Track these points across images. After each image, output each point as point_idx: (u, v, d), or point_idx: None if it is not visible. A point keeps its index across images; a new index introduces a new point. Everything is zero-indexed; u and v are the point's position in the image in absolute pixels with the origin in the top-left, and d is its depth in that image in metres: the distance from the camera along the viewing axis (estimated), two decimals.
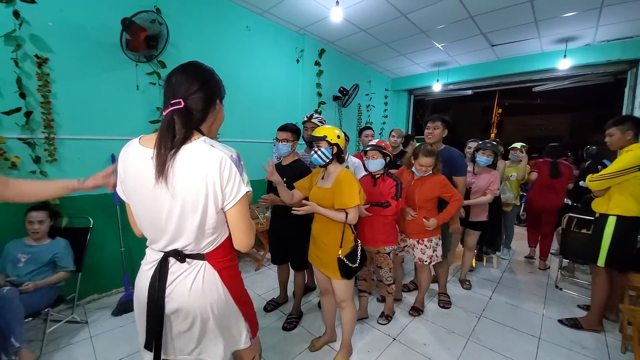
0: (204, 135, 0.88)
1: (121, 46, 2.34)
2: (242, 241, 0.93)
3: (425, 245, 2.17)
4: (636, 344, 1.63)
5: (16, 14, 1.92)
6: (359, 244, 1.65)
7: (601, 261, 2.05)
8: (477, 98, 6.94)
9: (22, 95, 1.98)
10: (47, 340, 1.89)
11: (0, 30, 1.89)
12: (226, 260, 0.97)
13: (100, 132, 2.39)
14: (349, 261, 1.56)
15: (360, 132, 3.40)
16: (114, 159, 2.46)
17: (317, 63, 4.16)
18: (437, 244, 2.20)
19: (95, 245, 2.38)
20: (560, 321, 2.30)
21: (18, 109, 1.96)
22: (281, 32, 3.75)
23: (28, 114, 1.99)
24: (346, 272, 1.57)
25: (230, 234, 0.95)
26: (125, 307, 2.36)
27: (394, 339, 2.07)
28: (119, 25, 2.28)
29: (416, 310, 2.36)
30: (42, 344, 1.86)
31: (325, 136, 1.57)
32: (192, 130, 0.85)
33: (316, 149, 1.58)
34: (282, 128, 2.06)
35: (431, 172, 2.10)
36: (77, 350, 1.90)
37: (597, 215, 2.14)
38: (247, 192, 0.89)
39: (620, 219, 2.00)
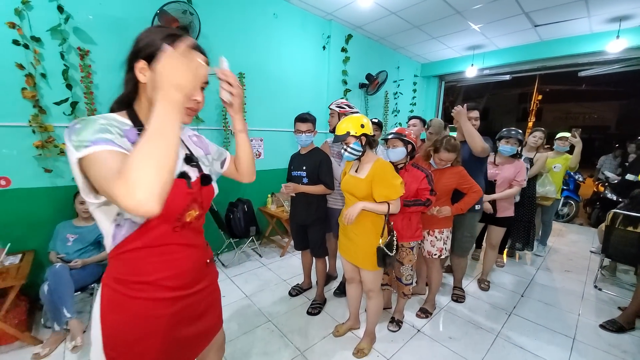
0: (125, 111, 0.75)
1: None
2: None
3: (436, 237, 2.08)
4: None
5: (60, 9, 2.03)
6: (395, 235, 1.63)
7: None
8: (514, 84, 6.49)
9: (69, 87, 2.12)
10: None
11: (45, 24, 2.01)
12: (113, 280, 0.73)
13: None
14: (388, 250, 1.55)
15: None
16: None
17: (343, 49, 4.06)
18: (447, 237, 2.10)
19: None
20: (601, 326, 2.16)
21: (66, 100, 2.11)
22: (308, 18, 3.68)
23: (74, 104, 2.13)
24: (383, 260, 1.57)
25: (130, 249, 0.72)
26: None
27: (419, 331, 2.06)
28: (155, 16, 2.35)
29: (424, 312, 2.23)
30: (89, 315, 2.05)
31: (348, 133, 1.51)
32: (114, 109, 0.76)
33: (345, 147, 1.54)
34: (302, 119, 2.03)
35: (449, 164, 2.01)
36: None
37: None
38: (77, 156, 0.60)
39: None
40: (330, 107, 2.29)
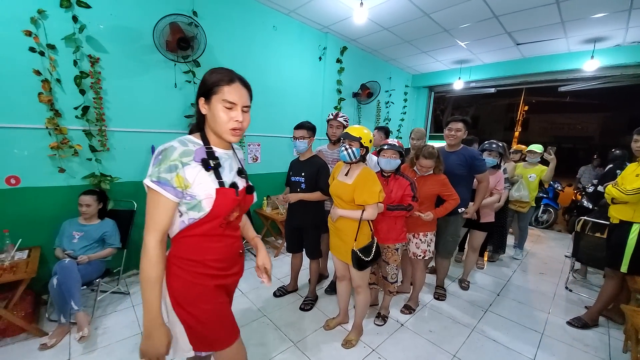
0: (199, 133, 0.99)
1: (156, 45, 2.50)
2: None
3: (420, 240, 2.25)
4: (633, 342, 1.71)
5: (75, 19, 2.17)
6: (375, 241, 1.80)
7: (624, 267, 2.10)
8: (502, 95, 6.82)
9: (82, 92, 2.25)
10: (96, 307, 2.20)
11: (60, 33, 2.15)
12: (175, 256, 0.97)
13: (143, 125, 2.65)
14: (363, 255, 1.72)
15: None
16: (153, 150, 2.72)
17: (338, 60, 4.27)
18: (431, 240, 2.28)
19: (139, 226, 2.67)
20: (568, 323, 2.37)
21: (83, 106, 2.27)
22: (305, 31, 3.88)
23: (85, 109, 2.27)
24: (358, 264, 1.73)
25: (188, 235, 0.96)
26: None
27: (402, 325, 2.24)
28: (161, 27, 2.50)
29: (408, 309, 2.39)
30: (93, 309, 2.17)
31: (360, 138, 1.70)
32: (193, 130, 1.03)
33: (347, 147, 1.70)
34: (298, 126, 2.21)
35: (432, 171, 2.19)
36: (122, 316, 2.19)
37: (616, 220, 2.16)
38: (146, 183, 0.88)
39: None
40: (338, 119, 2.48)
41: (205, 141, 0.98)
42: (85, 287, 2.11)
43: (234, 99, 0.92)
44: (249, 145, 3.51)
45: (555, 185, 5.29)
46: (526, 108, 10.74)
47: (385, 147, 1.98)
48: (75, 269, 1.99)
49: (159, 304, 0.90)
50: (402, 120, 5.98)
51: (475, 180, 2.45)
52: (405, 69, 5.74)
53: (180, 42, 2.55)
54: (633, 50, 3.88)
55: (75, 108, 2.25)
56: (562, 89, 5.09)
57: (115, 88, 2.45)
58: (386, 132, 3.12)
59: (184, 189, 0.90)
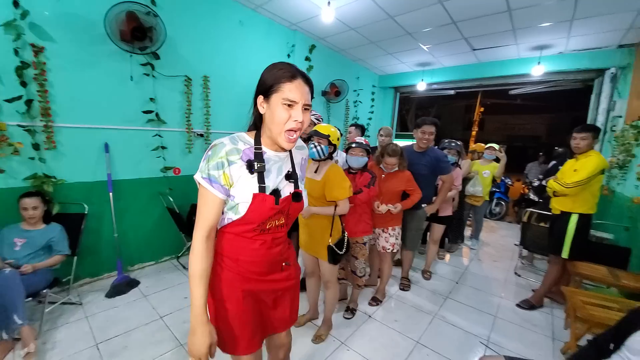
0: (254, 132, 0.96)
1: (108, 35, 2.32)
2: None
3: (389, 234, 2.37)
4: (572, 319, 1.94)
5: (16, 4, 1.95)
6: (346, 235, 1.85)
7: (565, 253, 2.35)
8: (461, 96, 7.23)
9: (23, 84, 2.03)
10: (44, 320, 2.01)
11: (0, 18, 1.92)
12: (215, 251, 0.97)
13: (95, 121, 2.46)
14: (337, 249, 1.77)
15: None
16: (107, 148, 2.54)
17: (307, 58, 4.27)
18: (398, 233, 2.41)
19: (90, 231, 2.48)
20: (517, 305, 2.61)
21: (19, 97, 2.02)
22: (273, 27, 3.83)
23: (28, 102, 2.05)
24: (333, 258, 1.78)
25: (225, 231, 0.97)
26: (118, 289, 2.49)
27: (370, 316, 2.32)
28: (113, 16, 2.32)
29: (375, 301, 2.49)
30: (40, 322, 1.98)
31: (328, 136, 1.75)
32: (249, 127, 0.99)
33: (316, 144, 1.73)
34: None
35: (397, 168, 2.30)
36: (74, 328, 2.03)
37: (557, 211, 2.42)
38: (196, 178, 0.89)
39: (581, 216, 2.30)
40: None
41: (257, 141, 0.94)
42: (30, 298, 1.92)
43: (295, 97, 0.85)
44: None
45: (506, 180, 5.78)
46: (482, 109, 11.55)
47: (354, 145, 2.06)
48: (17, 279, 1.80)
49: (204, 301, 0.89)
50: (370, 119, 6.15)
51: (438, 179, 2.61)
52: (372, 69, 5.90)
53: (135, 31, 2.39)
54: (574, 58, 4.32)
55: (9, 101, 2.00)
56: (513, 92, 5.57)
57: (63, 80, 2.25)
58: (362, 129, 3.24)
59: (230, 186, 0.90)
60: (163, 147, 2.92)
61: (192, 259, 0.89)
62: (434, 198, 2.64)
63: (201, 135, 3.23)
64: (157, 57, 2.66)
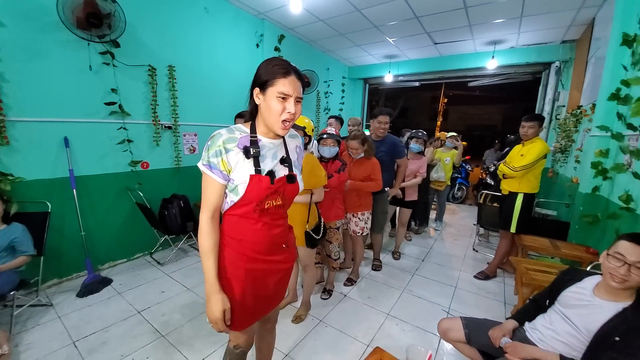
0: (250, 122, 1.04)
1: (62, 22, 2.19)
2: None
3: (359, 218, 2.54)
4: (519, 285, 2.24)
5: None
6: (322, 220, 1.96)
7: (513, 228, 2.67)
8: (426, 88, 7.57)
9: None
10: (14, 323, 1.93)
11: None
12: (222, 233, 1.06)
13: (53, 114, 2.32)
14: (314, 234, 1.88)
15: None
16: (67, 143, 2.41)
17: (276, 49, 4.25)
18: (368, 218, 2.59)
19: (55, 230, 2.37)
20: (475, 276, 2.94)
21: None
22: (241, 15, 3.76)
23: None
24: (311, 242, 1.89)
25: (229, 214, 1.05)
26: (90, 288, 2.42)
27: (345, 296, 2.50)
28: (70, 1, 2.18)
29: (350, 281, 2.66)
30: (10, 326, 1.90)
31: (304, 127, 1.84)
32: (238, 118, 1.05)
33: None
34: (240, 115, 2.24)
35: (363, 155, 2.45)
36: (47, 329, 1.97)
37: (506, 192, 2.73)
38: (199, 165, 0.99)
39: (526, 195, 2.61)
40: None
41: (253, 130, 1.03)
42: None
43: (289, 91, 0.94)
44: (185, 136, 3.32)
45: (467, 167, 6.26)
46: (445, 100, 12.20)
47: (325, 136, 2.17)
48: None
49: (215, 273, 1.00)
50: (341, 110, 6.27)
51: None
52: (342, 60, 6.00)
53: (90, 17, 2.26)
54: (524, 52, 4.74)
55: None
56: (471, 84, 5.98)
57: (14, 71, 2.09)
58: (341, 121, 3.44)
59: (229, 172, 0.98)
60: (129, 141, 2.81)
61: (200, 237, 1.00)
62: (394, 182, 2.87)
63: (169, 127, 3.14)
64: (117, 45, 2.53)
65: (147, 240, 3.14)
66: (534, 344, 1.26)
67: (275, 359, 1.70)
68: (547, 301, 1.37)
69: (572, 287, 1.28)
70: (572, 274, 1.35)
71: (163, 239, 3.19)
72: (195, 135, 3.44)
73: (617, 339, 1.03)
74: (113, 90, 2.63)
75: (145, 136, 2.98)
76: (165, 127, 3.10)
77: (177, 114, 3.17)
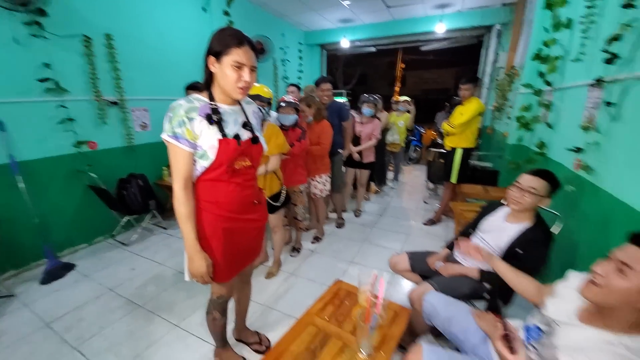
0: (206, 92, 1.07)
1: None
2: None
3: (317, 181, 2.71)
4: (457, 224, 2.64)
5: None
6: (284, 188, 2.09)
7: (454, 179, 3.04)
8: (383, 53, 7.66)
9: None
10: None
11: None
12: (197, 198, 1.13)
13: None
14: (272, 200, 2.02)
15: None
16: (2, 126, 2.20)
17: (226, 13, 4.01)
18: (326, 180, 2.77)
19: (4, 220, 2.24)
20: (424, 223, 3.35)
21: None
22: None
23: None
24: (270, 209, 2.01)
25: (202, 179, 1.11)
26: (53, 274, 2.38)
27: (312, 252, 2.76)
28: None
29: (316, 239, 2.92)
30: None
31: (270, 99, 1.93)
32: (190, 90, 1.09)
33: (260, 108, 1.81)
34: (191, 87, 2.21)
35: (311, 118, 2.53)
36: (15, 317, 1.94)
37: (449, 148, 3.07)
38: (163, 137, 1.02)
39: (464, 150, 2.97)
40: None
41: (211, 98, 1.07)
42: None
43: (244, 61, 0.99)
44: (134, 111, 3.14)
45: (420, 129, 6.70)
46: (403, 66, 12.45)
47: (283, 104, 2.21)
48: None
49: (194, 235, 1.09)
50: (300, 78, 6.19)
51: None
52: (298, 25, 5.81)
53: None
54: (468, 16, 4.95)
55: None
56: (423, 48, 6.20)
57: None
58: (299, 88, 3.55)
59: (195, 140, 1.02)
60: (70, 119, 2.62)
61: (176, 206, 1.07)
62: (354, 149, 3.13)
63: (115, 103, 2.94)
64: (43, 13, 2.26)
65: (107, 223, 3.06)
66: (461, 264, 1.58)
67: (253, 310, 1.91)
68: (471, 230, 1.69)
69: (488, 217, 1.60)
70: (489, 207, 1.67)
71: (125, 220, 3.12)
72: (146, 110, 3.26)
73: (520, 250, 1.35)
74: (46, 65, 2.39)
75: (89, 114, 2.79)
76: (110, 102, 2.90)
77: (122, 88, 2.97)
